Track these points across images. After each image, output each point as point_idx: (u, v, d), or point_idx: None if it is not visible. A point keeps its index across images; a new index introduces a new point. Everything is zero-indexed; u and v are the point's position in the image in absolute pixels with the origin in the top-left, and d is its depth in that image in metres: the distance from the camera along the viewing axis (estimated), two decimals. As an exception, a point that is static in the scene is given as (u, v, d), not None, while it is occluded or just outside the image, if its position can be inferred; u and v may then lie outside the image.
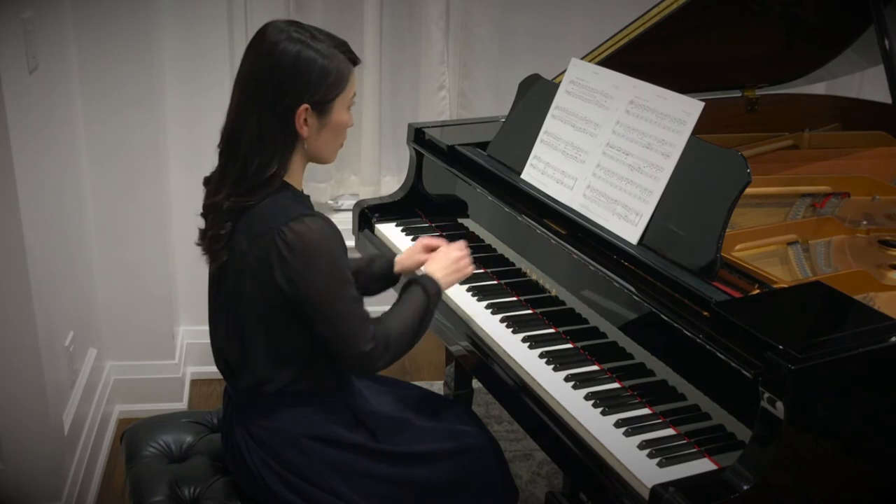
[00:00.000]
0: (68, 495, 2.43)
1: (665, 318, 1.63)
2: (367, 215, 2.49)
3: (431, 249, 1.98)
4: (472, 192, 2.24)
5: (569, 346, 1.88)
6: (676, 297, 1.65)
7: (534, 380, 1.78)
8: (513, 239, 2.12)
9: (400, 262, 2.02)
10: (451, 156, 2.36)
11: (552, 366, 1.81)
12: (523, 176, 2.13)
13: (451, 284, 1.90)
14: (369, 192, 3.45)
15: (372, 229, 2.48)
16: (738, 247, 1.87)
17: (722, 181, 1.69)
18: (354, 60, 1.70)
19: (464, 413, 2.00)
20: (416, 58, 3.43)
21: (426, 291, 1.80)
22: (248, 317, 1.70)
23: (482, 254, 2.21)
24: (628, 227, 1.82)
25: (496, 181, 2.18)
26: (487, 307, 2.02)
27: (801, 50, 2.63)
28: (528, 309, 2.02)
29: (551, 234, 1.95)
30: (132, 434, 2.00)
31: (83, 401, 2.65)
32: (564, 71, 2.13)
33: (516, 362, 1.84)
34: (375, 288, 2.04)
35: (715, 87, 2.62)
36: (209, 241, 1.73)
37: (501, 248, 2.16)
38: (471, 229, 2.28)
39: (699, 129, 1.78)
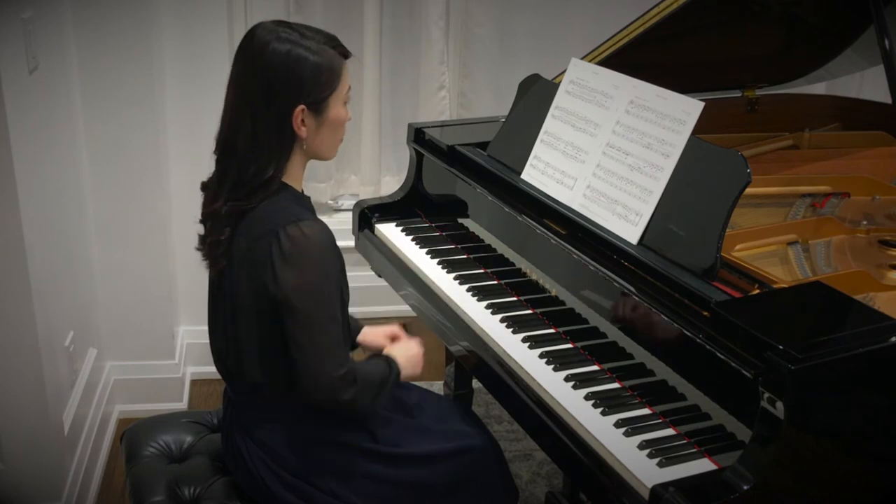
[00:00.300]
0: (68, 495, 2.43)
1: (665, 318, 1.63)
2: (367, 215, 2.49)
3: (394, 339, 1.97)
4: (472, 192, 2.24)
5: (569, 346, 1.88)
6: (676, 297, 1.65)
7: (534, 380, 1.78)
8: (513, 239, 2.12)
9: (364, 335, 2.01)
10: (451, 156, 2.36)
11: (552, 366, 1.81)
12: (523, 176, 2.13)
13: (407, 377, 1.85)
14: (369, 192, 3.45)
15: (372, 229, 2.47)
16: (738, 247, 1.87)
17: (722, 181, 1.69)
18: (346, 54, 1.69)
19: (464, 413, 2.00)
20: (416, 58, 3.44)
21: (391, 368, 1.79)
22: (244, 319, 1.70)
23: (482, 254, 2.21)
24: (628, 227, 1.82)
25: (496, 181, 2.18)
26: (487, 307, 2.02)
27: (801, 50, 2.63)
28: (528, 309, 2.02)
29: (551, 234, 1.95)
30: (132, 434, 2.00)
31: (83, 401, 2.65)
32: (564, 71, 2.13)
33: (516, 362, 1.84)
34: None
35: (715, 87, 2.62)
36: (209, 247, 1.72)
37: (501, 248, 2.16)
38: (471, 229, 2.28)
39: (699, 129, 1.78)
